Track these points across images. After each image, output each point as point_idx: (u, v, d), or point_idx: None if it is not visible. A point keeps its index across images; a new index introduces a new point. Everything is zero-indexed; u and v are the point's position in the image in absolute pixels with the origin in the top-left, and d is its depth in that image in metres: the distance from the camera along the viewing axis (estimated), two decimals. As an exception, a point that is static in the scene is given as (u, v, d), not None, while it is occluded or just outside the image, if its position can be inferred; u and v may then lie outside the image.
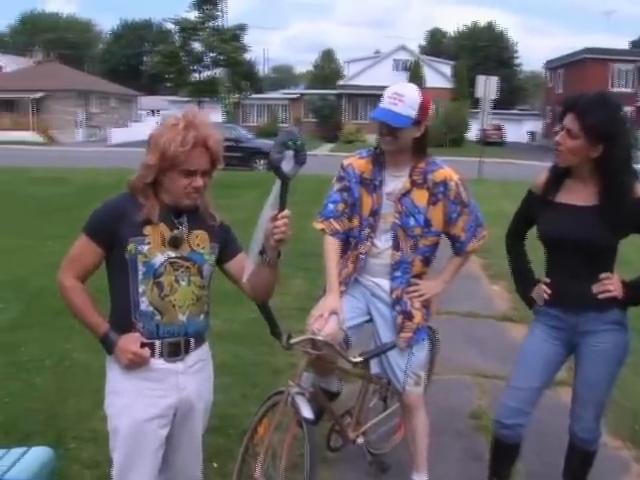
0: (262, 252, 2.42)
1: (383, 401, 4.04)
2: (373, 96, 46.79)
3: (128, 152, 33.95)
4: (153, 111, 58.52)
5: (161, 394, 2.51)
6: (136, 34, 79.05)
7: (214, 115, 21.31)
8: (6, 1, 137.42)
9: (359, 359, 3.10)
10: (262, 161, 22.49)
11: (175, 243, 2.46)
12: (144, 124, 48.37)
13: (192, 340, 2.55)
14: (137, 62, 79.28)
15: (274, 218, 2.32)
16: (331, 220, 3.42)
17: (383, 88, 3.34)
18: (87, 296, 2.49)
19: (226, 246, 2.62)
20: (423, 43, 79.52)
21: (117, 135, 43.37)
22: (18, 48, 66.82)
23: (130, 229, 2.41)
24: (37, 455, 3.07)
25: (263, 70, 51.95)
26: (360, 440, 3.71)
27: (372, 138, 42.91)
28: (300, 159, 2.34)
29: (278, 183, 2.33)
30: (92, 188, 16.35)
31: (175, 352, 2.51)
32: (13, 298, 7.08)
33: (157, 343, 2.48)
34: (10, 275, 8.11)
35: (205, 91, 18.35)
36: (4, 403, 4.57)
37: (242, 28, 18.74)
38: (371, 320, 3.50)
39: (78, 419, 4.33)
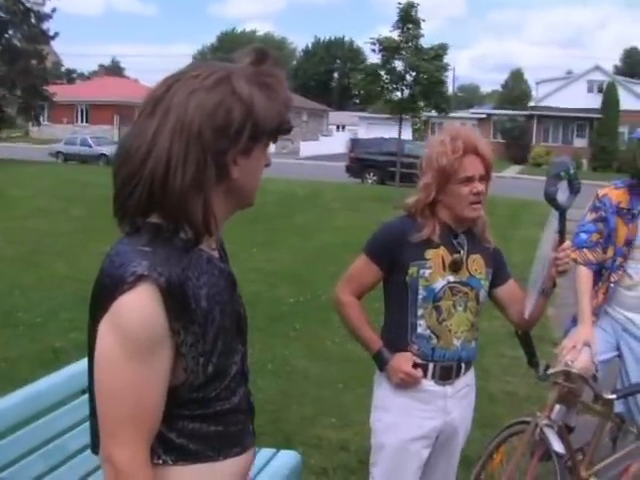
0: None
1: (613, 442, 3.82)
2: (565, 118, 44.98)
3: (318, 165, 35.05)
4: (341, 126, 60.00)
5: (428, 415, 2.52)
6: (327, 51, 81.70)
7: (404, 133, 21.46)
8: (209, 23, 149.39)
9: (612, 397, 2.99)
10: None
11: (455, 267, 2.45)
12: (333, 138, 49.75)
13: (463, 365, 2.54)
14: (327, 78, 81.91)
15: (555, 249, 2.34)
16: (584, 250, 3.33)
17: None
18: (363, 312, 2.56)
19: (498, 271, 2.58)
20: (618, 63, 75.27)
21: (307, 148, 44.76)
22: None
23: (411, 253, 2.42)
24: (286, 459, 3.10)
25: (452, 89, 51.36)
26: (592, 480, 3.55)
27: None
28: (575, 188, 2.37)
29: (555, 214, 2.38)
30: (290, 198, 17.02)
31: (447, 376, 2.50)
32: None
33: (430, 365, 2.48)
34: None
35: (407, 109, 18.66)
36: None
37: (444, 48, 18.90)
38: (619, 356, 3.36)
39: (302, 424, 4.47)
